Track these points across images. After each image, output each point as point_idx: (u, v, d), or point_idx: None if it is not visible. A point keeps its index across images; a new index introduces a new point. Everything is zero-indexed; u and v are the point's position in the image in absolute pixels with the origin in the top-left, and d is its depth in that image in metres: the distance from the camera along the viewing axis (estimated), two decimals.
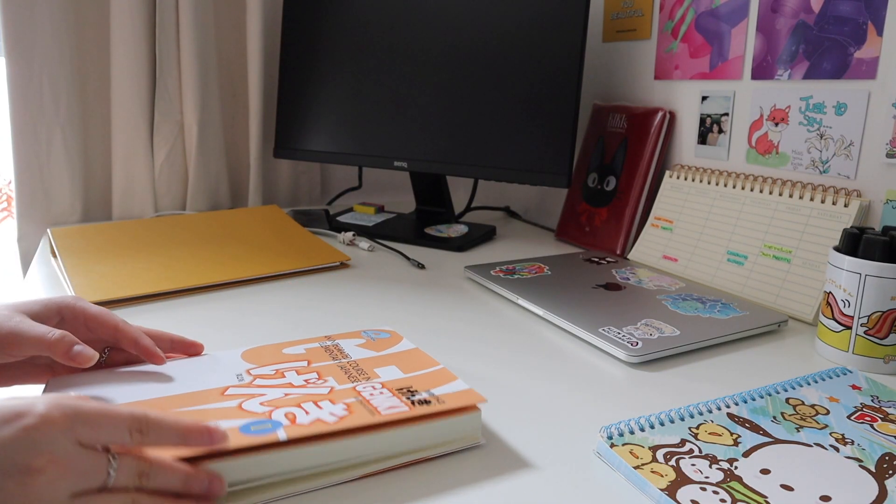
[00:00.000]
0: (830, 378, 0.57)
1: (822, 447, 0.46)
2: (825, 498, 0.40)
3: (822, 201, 0.77)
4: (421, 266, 0.92)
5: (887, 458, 0.45)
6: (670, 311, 0.71)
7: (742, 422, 0.49)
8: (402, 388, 0.47)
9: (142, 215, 1.18)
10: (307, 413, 0.43)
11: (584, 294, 0.76)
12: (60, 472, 0.32)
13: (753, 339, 0.68)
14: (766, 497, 0.40)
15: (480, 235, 1.08)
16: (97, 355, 0.46)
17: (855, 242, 0.61)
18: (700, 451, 0.45)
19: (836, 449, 0.46)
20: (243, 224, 1.03)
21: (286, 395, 0.46)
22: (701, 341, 0.64)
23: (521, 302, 0.75)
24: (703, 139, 0.94)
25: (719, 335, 0.65)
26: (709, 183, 0.90)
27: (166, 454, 0.37)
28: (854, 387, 0.56)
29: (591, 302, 0.74)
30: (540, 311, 0.72)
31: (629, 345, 0.61)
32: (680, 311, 0.71)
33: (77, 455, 0.33)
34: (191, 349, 0.54)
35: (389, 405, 0.44)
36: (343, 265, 0.92)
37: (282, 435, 0.40)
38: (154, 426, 0.36)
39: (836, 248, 0.63)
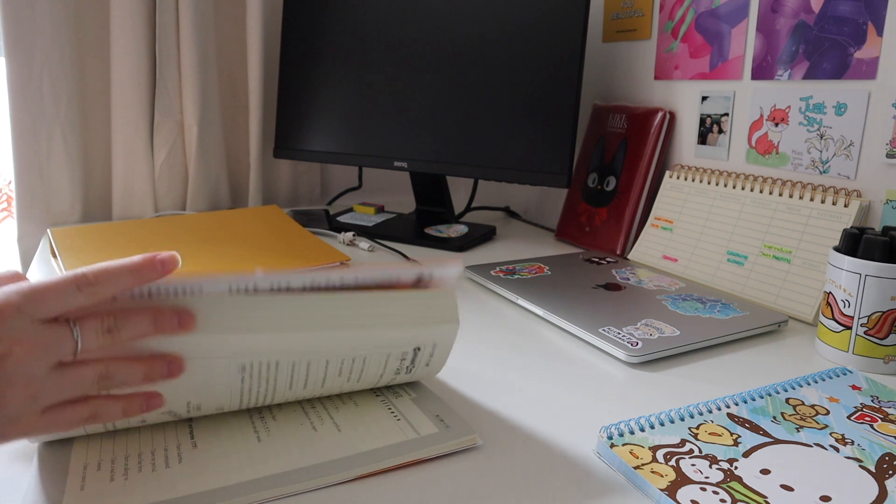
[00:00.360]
0: (830, 378, 0.57)
1: (822, 447, 0.46)
2: (825, 498, 0.40)
3: (822, 201, 0.77)
4: None
5: (887, 458, 0.45)
6: (670, 311, 0.71)
7: (742, 422, 0.49)
8: None
9: (142, 215, 1.18)
10: None
11: (584, 294, 0.76)
12: (27, 349, 0.32)
13: (753, 339, 0.68)
14: (766, 497, 0.40)
15: (480, 235, 1.08)
16: None
17: (855, 243, 0.61)
18: (700, 451, 0.45)
19: (836, 449, 0.46)
20: (243, 224, 1.03)
21: None
22: (701, 341, 0.64)
23: (521, 302, 0.75)
24: (703, 139, 0.94)
25: (719, 335, 0.65)
26: (709, 183, 0.90)
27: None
28: (854, 387, 0.56)
29: (591, 302, 0.74)
30: (540, 311, 0.72)
31: (629, 345, 0.61)
32: (680, 312, 0.71)
33: (37, 331, 0.33)
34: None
35: None
36: (343, 265, 0.92)
37: (259, 272, 0.41)
38: (100, 275, 0.36)
39: (836, 249, 0.63)
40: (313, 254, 0.93)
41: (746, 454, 0.44)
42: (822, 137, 0.79)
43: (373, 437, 0.45)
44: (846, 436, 0.47)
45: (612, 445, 0.45)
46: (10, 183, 1.14)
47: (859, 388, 0.55)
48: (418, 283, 0.48)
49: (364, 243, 1.02)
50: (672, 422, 0.48)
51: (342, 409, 0.49)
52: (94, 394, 0.37)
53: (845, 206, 0.74)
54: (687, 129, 0.97)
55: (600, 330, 0.65)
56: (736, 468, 0.43)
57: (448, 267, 0.49)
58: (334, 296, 0.44)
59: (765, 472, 0.42)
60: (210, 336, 0.40)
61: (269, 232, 1.01)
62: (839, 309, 0.62)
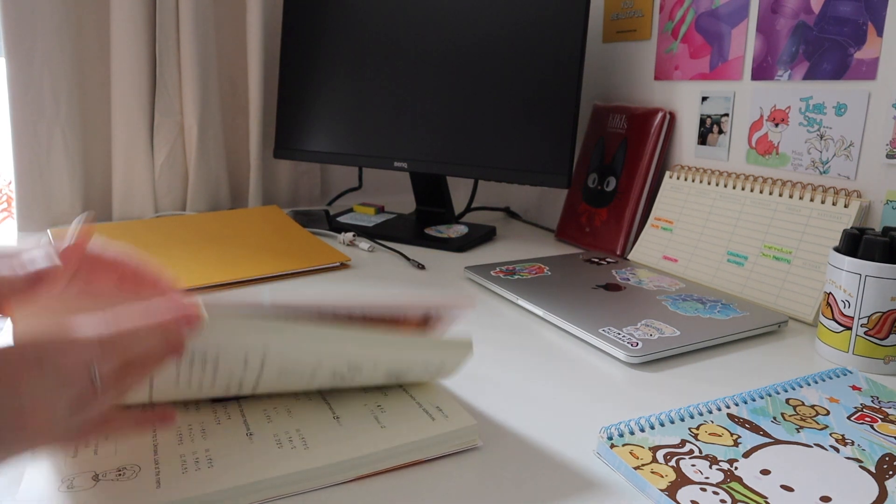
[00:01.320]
0: (830, 378, 0.57)
1: (823, 448, 0.46)
2: (825, 498, 0.40)
3: (823, 202, 0.77)
4: (421, 266, 0.92)
5: (887, 458, 0.45)
6: (670, 312, 0.71)
7: (742, 422, 0.49)
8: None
9: (142, 216, 1.18)
10: None
11: (584, 294, 0.76)
12: (47, 406, 0.33)
13: (753, 339, 0.68)
14: (766, 497, 0.40)
15: (480, 236, 1.08)
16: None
17: (855, 243, 0.61)
18: (700, 451, 0.45)
19: (837, 449, 0.46)
20: (243, 224, 1.03)
21: None
22: (701, 342, 0.64)
23: (521, 302, 0.75)
24: (703, 139, 0.94)
25: (719, 335, 0.65)
26: (709, 183, 0.90)
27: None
28: (854, 387, 0.56)
29: (591, 302, 0.74)
30: (540, 312, 0.72)
31: (629, 345, 0.61)
32: (680, 312, 0.71)
33: (57, 387, 0.33)
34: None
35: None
36: (343, 265, 0.92)
37: (266, 299, 0.41)
38: (126, 338, 0.36)
39: (836, 249, 0.63)
40: (313, 254, 0.93)
41: (746, 454, 0.44)
42: (822, 138, 0.79)
43: (373, 439, 0.45)
44: (846, 436, 0.47)
45: (612, 446, 0.45)
46: (10, 183, 1.14)
47: (859, 389, 0.55)
48: (425, 322, 0.48)
49: (364, 244, 1.02)
50: (672, 422, 0.48)
51: (344, 408, 0.49)
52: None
53: (845, 206, 0.74)
54: (687, 130, 0.97)
55: (600, 330, 0.65)
56: (736, 468, 0.43)
57: (457, 308, 0.49)
58: (343, 332, 0.44)
59: (765, 472, 0.42)
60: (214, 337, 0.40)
61: (270, 232, 1.01)
62: (839, 309, 0.62)
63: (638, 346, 0.61)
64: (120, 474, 0.41)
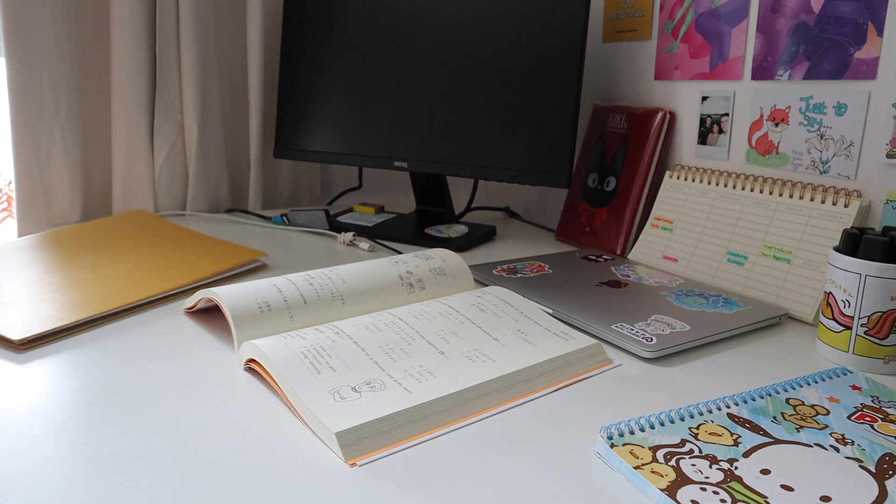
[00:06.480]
0: (830, 378, 0.57)
1: (823, 447, 0.46)
2: (825, 498, 0.40)
3: (823, 201, 0.77)
4: None
5: (887, 458, 0.45)
6: (676, 307, 0.71)
7: (742, 422, 0.49)
8: None
9: None
10: None
11: (589, 292, 0.76)
12: None
13: (754, 338, 0.68)
14: (766, 497, 0.40)
15: (480, 236, 1.08)
16: None
17: (855, 243, 0.61)
18: (700, 451, 0.45)
19: (837, 449, 0.46)
20: (117, 235, 0.91)
21: None
22: (713, 335, 0.65)
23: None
24: (703, 139, 0.94)
25: (729, 328, 0.66)
26: (709, 183, 0.90)
27: None
28: (854, 387, 0.56)
29: (598, 299, 0.74)
30: (550, 310, 0.71)
31: (644, 340, 0.61)
32: (685, 307, 0.71)
33: None
34: None
35: None
36: (263, 265, 0.86)
37: None
38: None
39: (836, 249, 0.63)
40: (221, 255, 0.84)
41: (746, 454, 0.45)
42: (822, 137, 0.79)
43: (534, 353, 0.55)
44: (846, 436, 0.47)
45: (613, 445, 0.45)
46: (10, 183, 1.14)
47: (859, 389, 0.55)
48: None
49: (364, 243, 1.02)
50: (672, 422, 0.48)
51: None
52: None
53: (845, 206, 0.74)
54: (687, 130, 0.97)
55: (613, 327, 0.65)
56: (736, 468, 0.43)
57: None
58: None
59: (765, 472, 0.43)
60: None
61: (153, 240, 0.90)
62: (839, 309, 0.62)
63: (653, 342, 0.61)
64: (371, 386, 0.48)
